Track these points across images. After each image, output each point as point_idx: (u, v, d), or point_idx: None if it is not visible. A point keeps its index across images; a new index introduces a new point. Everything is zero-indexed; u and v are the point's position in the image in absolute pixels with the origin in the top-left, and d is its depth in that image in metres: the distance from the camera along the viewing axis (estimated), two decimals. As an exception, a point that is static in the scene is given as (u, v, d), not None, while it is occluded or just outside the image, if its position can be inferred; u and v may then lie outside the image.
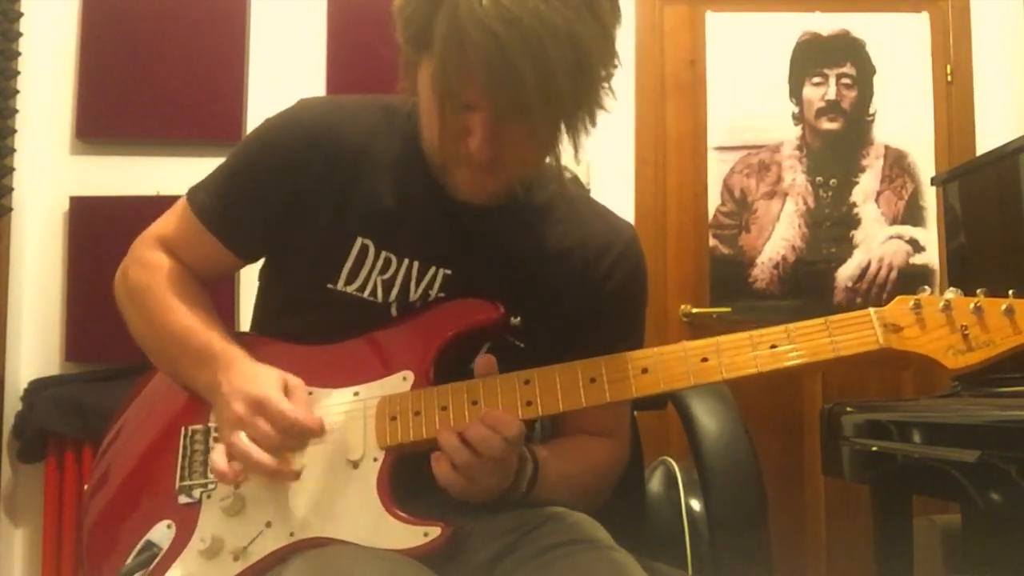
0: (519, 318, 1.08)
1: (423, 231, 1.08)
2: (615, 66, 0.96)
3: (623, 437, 1.18)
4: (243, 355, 1.05)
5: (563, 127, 0.95)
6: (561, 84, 0.88)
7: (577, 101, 0.92)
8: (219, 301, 1.16)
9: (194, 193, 1.14)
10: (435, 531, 0.95)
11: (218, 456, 0.98)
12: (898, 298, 0.93)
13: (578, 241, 1.13)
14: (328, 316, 1.08)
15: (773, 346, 0.93)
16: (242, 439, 0.96)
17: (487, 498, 0.99)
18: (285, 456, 0.98)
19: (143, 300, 1.13)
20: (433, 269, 1.08)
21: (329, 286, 1.08)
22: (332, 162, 1.07)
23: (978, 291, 0.91)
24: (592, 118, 0.96)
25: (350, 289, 1.08)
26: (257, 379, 1.00)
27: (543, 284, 1.10)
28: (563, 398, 0.97)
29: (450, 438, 0.94)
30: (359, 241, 1.07)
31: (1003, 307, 0.89)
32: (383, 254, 1.07)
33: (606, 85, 0.95)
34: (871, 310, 0.93)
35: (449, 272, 1.08)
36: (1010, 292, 0.91)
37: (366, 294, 1.08)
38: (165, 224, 1.16)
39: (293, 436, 0.98)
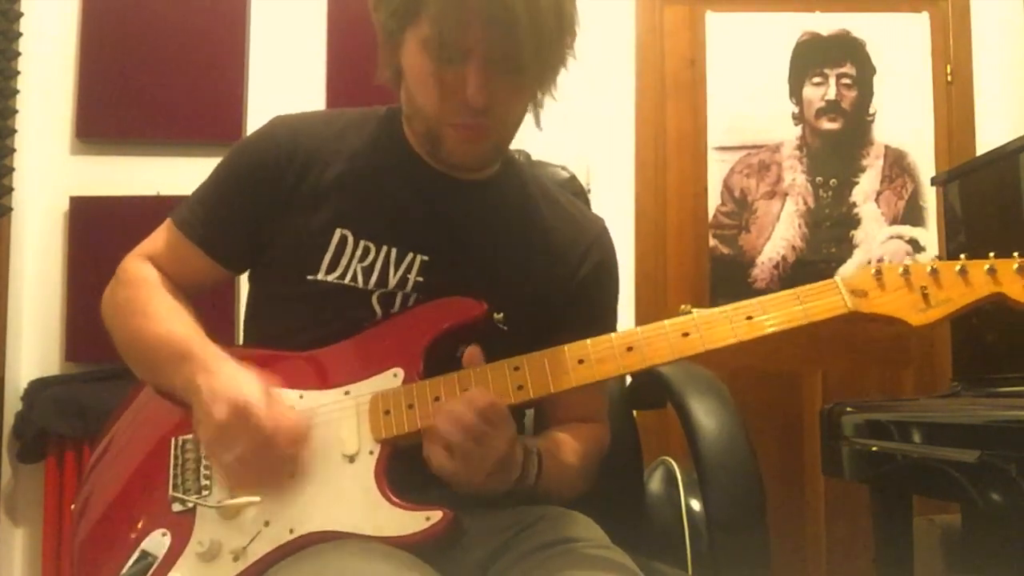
0: (502, 314, 1.11)
1: (399, 218, 1.12)
2: (578, 29, 1.06)
3: (604, 421, 1.23)
4: (222, 357, 1.05)
5: (545, 78, 1.06)
6: (550, 29, 0.99)
7: (559, 50, 1.03)
8: (219, 310, 1.17)
9: (177, 211, 1.19)
10: (436, 515, 0.95)
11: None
12: (861, 268, 1.00)
13: (549, 233, 1.18)
14: (312, 307, 1.11)
15: (749, 317, 0.98)
16: (230, 456, 0.98)
17: (494, 489, 0.99)
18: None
19: (125, 311, 1.14)
20: (410, 255, 1.11)
21: (310, 277, 1.10)
22: (306, 168, 1.12)
23: (933, 256, 0.96)
24: (557, 75, 1.08)
25: (331, 278, 1.10)
26: (239, 383, 1.00)
27: (516, 271, 1.14)
28: (553, 380, 0.99)
29: (444, 421, 0.95)
30: (338, 232, 1.10)
31: (956, 268, 0.96)
32: (361, 243, 1.10)
33: (570, 47, 1.06)
34: (837, 278, 0.99)
35: (426, 258, 1.11)
36: (962, 256, 0.97)
37: (347, 281, 1.10)
38: (151, 242, 1.20)
39: (276, 444, 0.97)
